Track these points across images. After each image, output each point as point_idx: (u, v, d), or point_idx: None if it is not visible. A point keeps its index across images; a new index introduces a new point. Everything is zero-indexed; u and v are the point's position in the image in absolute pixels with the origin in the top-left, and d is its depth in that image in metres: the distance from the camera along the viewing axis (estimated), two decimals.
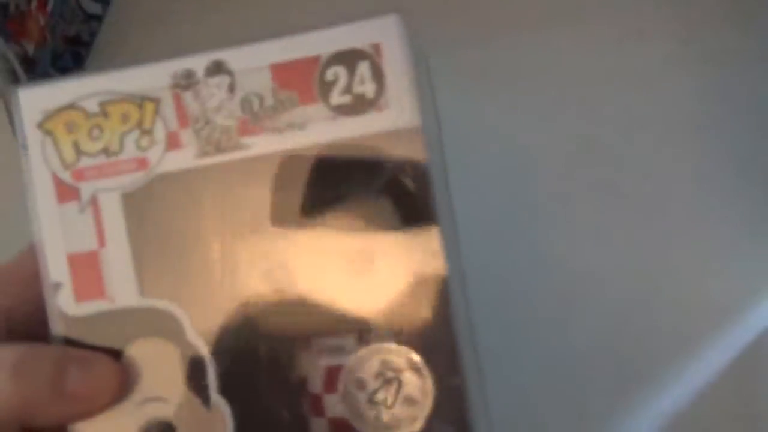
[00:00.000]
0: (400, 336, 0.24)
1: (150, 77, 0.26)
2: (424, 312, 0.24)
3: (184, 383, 0.25)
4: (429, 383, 0.24)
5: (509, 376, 0.41)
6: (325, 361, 0.25)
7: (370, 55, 0.25)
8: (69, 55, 0.59)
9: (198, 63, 0.26)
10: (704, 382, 0.40)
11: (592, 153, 0.46)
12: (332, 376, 0.25)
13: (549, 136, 0.48)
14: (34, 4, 0.54)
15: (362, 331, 0.25)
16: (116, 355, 0.26)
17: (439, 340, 0.24)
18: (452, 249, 0.26)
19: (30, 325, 0.27)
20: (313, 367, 0.25)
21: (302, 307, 0.25)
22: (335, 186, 0.25)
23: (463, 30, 0.53)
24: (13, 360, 0.24)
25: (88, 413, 0.25)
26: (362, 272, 0.25)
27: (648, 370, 0.40)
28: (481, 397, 0.26)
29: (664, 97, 0.47)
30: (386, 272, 0.25)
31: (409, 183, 0.25)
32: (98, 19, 0.62)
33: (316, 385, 0.25)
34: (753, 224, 0.43)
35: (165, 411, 0.25)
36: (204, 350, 0.25)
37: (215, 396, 0.25)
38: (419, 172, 0.25)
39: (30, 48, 0.53)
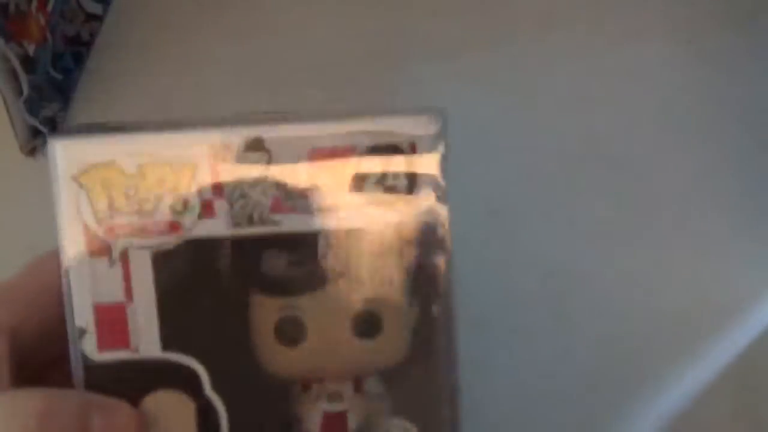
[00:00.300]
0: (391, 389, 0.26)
1: (189, 143, 0.26)
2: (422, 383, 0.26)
3: None
4: None
5: (509, 377, 0.41)
6: (324, 407, 0.27)
7: (402, 150, 0.26)
8: (69, 55, 0.59)
9: (235, 137, 0.26)
10: (705, 383, 0.40)
11: (591, 153, 0.46)
12: (329, 421, 0.27)
13: (548, 136, 0.48)
14: (34, 4, 0.54)
15: (358, 380, 0.27)
16: (134, 403, 0.26)
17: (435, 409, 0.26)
18: (450, 326, 0.27)
19: (36, 342, 0.27)
20: (313, 412, 0.27)
21: (309, 355, 0.27)
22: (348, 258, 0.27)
23: (463, 30, 0.53)
24: (40, 409, 0.25)
25: None
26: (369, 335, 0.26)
27: (648, 370, 0.41)
28: None
29: (665, 97, 0.48)
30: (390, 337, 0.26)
31: (429, 264, 0.27)
32: (99, 19, 0.61)
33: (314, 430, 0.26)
34: (753, 224, 0.43)
35: None
36: (219, 405, 0.26)
37: None
38: (440, 259, 0.27)
39: (30, 48, 0.53)
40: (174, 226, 0.27)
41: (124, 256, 0.27)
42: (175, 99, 0.54)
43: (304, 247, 0.26)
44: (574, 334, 0.42)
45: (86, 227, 0.27)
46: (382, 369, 0.26)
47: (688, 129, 0.46)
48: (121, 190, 0.27)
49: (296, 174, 0.26)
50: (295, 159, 0.26)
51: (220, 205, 0.26)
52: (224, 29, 0.58)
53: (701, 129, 0.46)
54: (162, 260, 0.27)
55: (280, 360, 0.27)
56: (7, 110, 0.53)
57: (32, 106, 0.54)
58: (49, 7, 0.56)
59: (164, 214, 0.26)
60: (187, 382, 0.26)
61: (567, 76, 0.49)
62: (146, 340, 0.27)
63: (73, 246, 0.27)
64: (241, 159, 0.26)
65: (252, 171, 0.26)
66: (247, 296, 0.26)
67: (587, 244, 0.44)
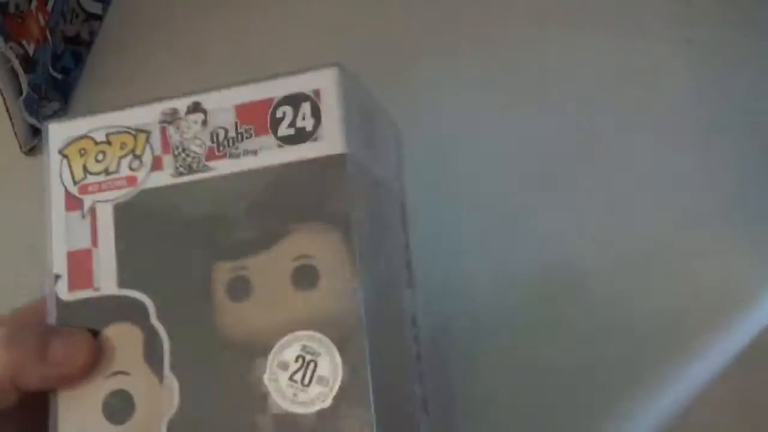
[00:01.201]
0: (321, 327, 0.29)
1: (145, 114, 0.33)
2: (342, 312, 0.29)
3: (143, 360, 0.31)
4: (339, 367, 0.28)
5: (508, 376, 0.41)
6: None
7: (311, 98, 0.31)
8: (69, 54, 0.59)
9: (182, 103, 0.33)
10: (704, 382, 0.40)
11: (591, 152, 0.46)
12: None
13: (548, 135, 0.48)
14: (34, 4, 0.54)
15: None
16: (95, 334, 0.31)
17: (351, 331, 0.29)
18: (373, 256, 0.31)
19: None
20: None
21: (254, 312, 0.30)
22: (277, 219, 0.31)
23: (463, 30, 0.53)
24: (5, 334, 0.30)
25: (67, 376, 0.31)
26: (306, 288, 0.30)
27: (647, 370, 0.40)
28: (387, 384, 0.30)
29: (664, 96, 0.47)
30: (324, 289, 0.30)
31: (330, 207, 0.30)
32: (98, 18, 0.62)
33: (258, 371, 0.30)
34: (754, 223, 0.43)
35: (126, 383, 0.31)
36: (163, 333, 0.31)
37: (167, 372, 0.30)
38: (341, 195, 0.30)
39: (30, 47, 0.54)
40: (131, 180, 0.32)
41: (93, 210, 0.33)
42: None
43: (235, 187, 0.31)
44: (573, 333, 0.42)
45: (66, 189, 0.33)
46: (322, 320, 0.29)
47: (687, 128, 0.46)
48: (93, 156, 0.33)
49: (226, 126, 0.32)
50: (226, 114, 0.32)
51: (167, 160, 0.32)
52: (224, 29, 0.58)
53: (701, 128, 0.46)
54: (121, 210, 0.32)
55: (225, 308, 0.31)
56: (7, 110, 0.53)
57: (32, 106, 0.54)
58: (49, 7, 0.56)
59: (124, 171, 0.32)
60: (138, 314, 0.31)
61: (567, 75, 0.49)
62: (106, 279, 0.32)
63: (55, 208, 0.33)
64: (183, 120, 0.32)
65: (191, 129, 0.32)
66: (197, 248, 0.31)
67: (587, 243, 0.44)
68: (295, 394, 0.29)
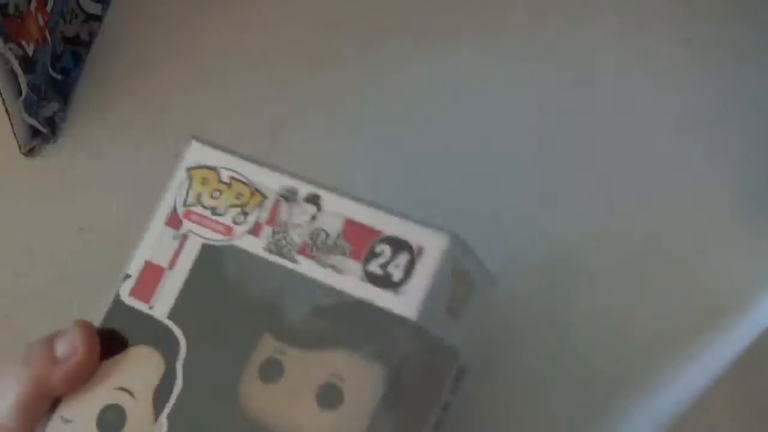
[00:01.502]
0: None
1: (271, 178, 0.35)
2: None
3: (151, 392, 0.33)
4: None
5: (509, 377, 0.41)
6: None
7: (413, 252, 0.32)
8: (69, 55, 0.59)
9: (305, 188, 0.34)
10: (705, 383, 0.40)
11: (591, 152, 0.46)
12: None
13: (548, 135, 0.48)
14: (33, 4, 0.54)
15: None
16: (127, 345, 0.34)
17: None
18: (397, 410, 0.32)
19: None
20: None
21: (271, 398, 0.32)
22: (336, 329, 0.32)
23: (462, 27, 0.53)
24: (21, 356, 0.34)
25: (79, 371, 0.33)
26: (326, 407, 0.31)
27: (648, 370, 0.40)
28: None
29: (665, 94, 0.47)
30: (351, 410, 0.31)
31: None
32: (98, 19, 0.62)
33: None
34: (754, 223, 0.43)
35: (127, 401, 0.33)
36: (180, 380, 0.33)
37: (163, 416, 0.32)
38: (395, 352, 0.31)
39: (30, 48, 0.53)
40: (228, 230, 0.35)
41: (185, 236, 0.35)
42: (174, 99, 0.54)
43: (306, 292, 0.33)
44: (573, 333, 0.42)
45: (175, 206, 0.36)
46: None
47: (688, 127, 0.46)
48: (210, 190, 0.36)
49: (330, 232, 0.33)
50: (335, 221, 0.33)
51: (266, 231, 0.34)
52: (223, 29, 0.58)
53: (701, 127, 0.46)
54: (207, 251, 0.35)
55: (252, 389, 0.32)
56: (6, 110, 0.53)
57: (31, 106, 0.54)
58: (49, 8, 0.56)
59: (227, 220, 0.35)
60: (170, 350, 0.33)
61: (567, 74, 0.49)
62: (162, 303, 0.34)
63: (158, 216, 0.36)
64: (298, 205, 0.34)
65: (300, 217, 0.34)
66: (254, 321, 0.33)
67: (587, 243, 0.44)
68: None
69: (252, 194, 0.35)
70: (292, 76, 0.53)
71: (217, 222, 0.35)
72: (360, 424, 0.30)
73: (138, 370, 0.33)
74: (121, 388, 0.33)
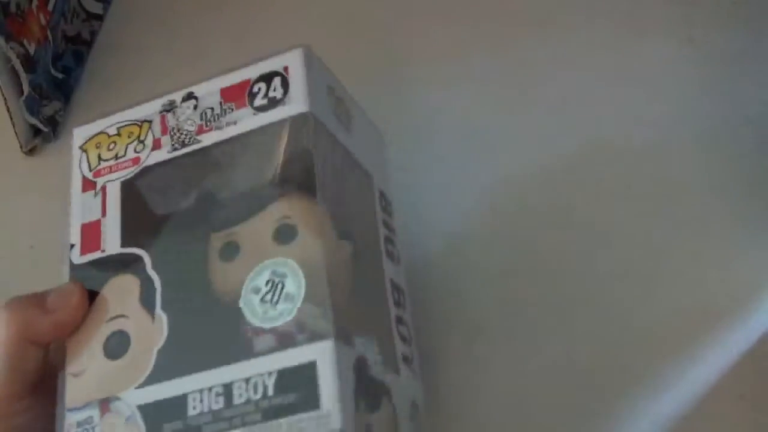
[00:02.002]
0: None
1: (149, 108, 0.39)
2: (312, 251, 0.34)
3: (139, 303, 0.35)
4: (303, 282, 0.32)
5: (509, 377, 0.41)
6: None
7: (281, 74, 0.37)
8: (70, 54, 0.59)
9: (178, 95, 0.39)
10: (705, 383, 0.40)
11: (591, 153, 0.46)
12: None
13: (550, 136, 0.48)
14: (35, 3, 0.54)
15: None
16: (101, 286, 0.36)
17: (315, 255, 0.33)
18: (340, 210, 0.35)
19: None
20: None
21: (240, 267, 0.34)
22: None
23: (464, 31, 0.53)
24: (4, 302, 0.35)
25: (70, 319, 0.35)
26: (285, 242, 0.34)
27: (648, 370, 0.40)
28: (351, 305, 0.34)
29: (666, 96, 0.47)
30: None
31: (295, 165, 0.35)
32: (99, 18, 0.61)
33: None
34: (755, 223, 0.43)
35: (124, 324, 0.35)
36: (156, 280, 0.35)
37: (158, 310, 0.34)
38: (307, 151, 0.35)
39: (31, 47, 0.53)
40: (135, 161, 0.38)
41: (104, 188, 0.38)
42: None
43: (221, 155, 0.36)
44: (573, 334, 0.42)
45: (83, 176, 0.39)
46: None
47: (688, 128, 0.46)
48: (105, 146, 0.39)
49: (213, 106, 0.37)
50: (213, 97, 0.38)
51: (165, 140, 0.38)
52: (224, 28, 0.58)
53: (702, 128, 0.46)
54: (127, 185, 0.38)
55: (218, 272, 0.35)
56: (8, 109, 0.53)
57: (33, 106, 0.54)
58: (50, 7, 0.56)
59: (130, 154, 0.38)
60: (136, 266, 0.36)
61: (567, 75, 0.49)
62: (111, 242, 0.37)
63: (74, 192, 0.39)
64: (179, 108, 0.38)
65: (185, 113, 0.38)
66: (193, 219, 0.36)
67: (587, 244, 0.44)
68: (265, 312, 0.32)
69: (140, 126, 0.38)
70: None
71: (122, 162, 0.38)
72: (319, 246, 0.33)
73: (119, 296, 0.35)
74: (113, 317, 0.35)
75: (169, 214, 0.36)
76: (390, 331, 0.37)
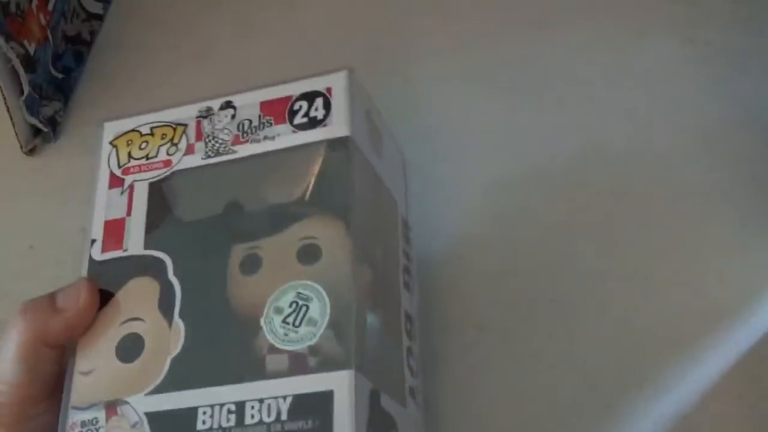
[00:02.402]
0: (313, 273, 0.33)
1: (185, 111, 0.39)
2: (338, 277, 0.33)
3: (157, 308, 0.35)
4: (328, 308, 0.32)
5: (509, 377, 0.41)
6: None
7: (324, 94, 0.37)
8: (70, 54, 0.59)
9: (216, 102, 0.38)
10: (706, 384, 0.40)
11: (593, 154, 0.46)
12: None
13: (551, 136, 0.48)
14: (35, 3, 0.54)
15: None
16: (120, 286, 0.36)
17: (342, 283, 0.33)
18: (370, 239, 0.36)
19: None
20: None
21: (261, 283, 0.34)
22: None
23: (465, 30, 0.53)
24: (20, 307, 0.35)
25: (80, 319, 0.35)
26: (309, 263, 0.34)
27: (648, 370, 0.40)
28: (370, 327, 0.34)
29: (666, 96, 0.47)
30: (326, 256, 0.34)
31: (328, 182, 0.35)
32: (99, 18, 0.62)
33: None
34: (755, 224, 0.43)
35: (140, 328, 0.35)
36: (177, 286, 0.35)
37: (176, 317, 0.34)
38: (343, 177, 0.35)
39: (31, 47, 0.53)
40: (167, 163, 0.38)
41: (131, 186, 0.38)
42: (175, 98, 0.54)
43: (255, 168, 0.36)
44: (574, 335, 0.42)
45: (111, 172, 0.39)
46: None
47: (690, 128, 0.46)
48: (137, 144, 0.39)
49: (251, 118, 0.37)
50: (251, 109, 0.37)
51: (199, 146, 0.38)
52: (224, 28, 0.58)
53: (703, 128, 0.46)
54: (156, 186, 0.38)
55: (239, 286, 0.35)
56: (8, 109, 0.53)
57: (33, 106, 0.54)
58: (50, 6, 0.56)
59: (162, 156, 0.38)
60: (158, 270, 0.35)
61: (568, 75, 0.49)
62: (134, 242, 0.37)
63: (100, 187, 0.39)
64: (216, 115, 0.38)
65: (222, 122, 0.38)
66: (219, 227, 0.36)
67: (587, 244, 0.44)
68: (286, 334, 0.32)
69: (174, 129, 0.38)
70: None
71: (153, 162, 0.38)
72: (343, 270, 0.33)
73: (137, 299, 0.35)
74: (129, 319, 0.35)
75: (195, 221, 0.36)
76: (401, 363, 0.37)
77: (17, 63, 0.51)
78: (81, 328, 0.35)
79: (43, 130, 0.56)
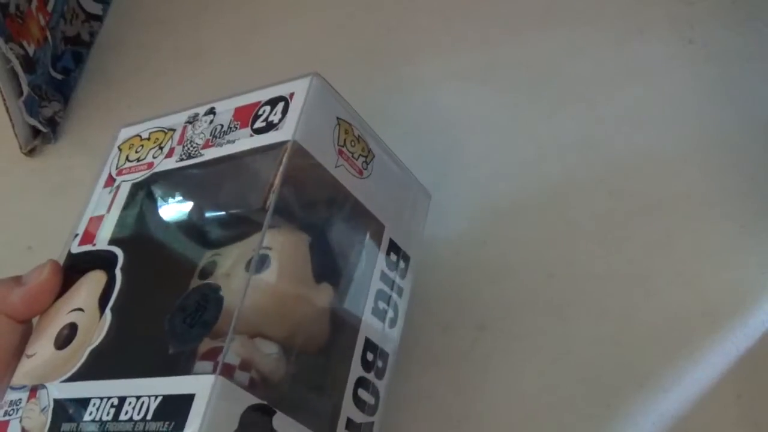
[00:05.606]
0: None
1: (179, 117, 0.40)
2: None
3: (97, 300, 0.36)
4: (219, 313, 0.32)
5: (509, 377, 0.41)
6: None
7: (286, 99, 0.36)
8: (69, 54, 0.59)
9: (203, 109, 0.39)
10: (705, 384, 0.40)
11: (592, 153, 0.46)
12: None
13: (550, 136, 0.48)
14: (34, 4, 0.54)
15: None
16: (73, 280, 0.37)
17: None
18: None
19: None
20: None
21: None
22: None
23: (465, 30, 0.53)
24: None
25: (39, 294, 0.37)
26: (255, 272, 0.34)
27: (648, 370, 0.40)
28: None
29: (666, 96, 0.47)
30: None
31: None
32: (99, 19, 0.62)
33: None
34: (755, 224, 0.43)
35: (79, 317, 0.36)
36: (119, 280, 0.36)
37: (107, 311, 0.35)
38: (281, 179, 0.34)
39: (30, 48, 0.53)
40: (149, 165, 0.39)
41: (118, 187, 0.40)
42: (175, 98, 0.54)
43: (217, 173, 0.37)
44: (574, 334, 0.42)
45: (110, 173, 0.41)
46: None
47: (689, 128, 0.46)
48: (135, 148, 0.41)
49: (223, 123, 0.38)
50: (227, 115, 0.38)
51: (178, 149, 0.39)
52: (223, 29, 0.58)
53: (703, 128, 0.46)
54: (135, 187, 0.39)
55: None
56: (7, 110, 0.53)
57: (32, 106, 0.54)
58: (50, 7, 0.56)
59: (148, 159, 0.39)
60: (110, 264, 0.37)
61: (567, 75, 0.49)
62: (103, 237, 0.38)
63: (98, 186, 0.41)
64: (199, 121, 0.39)
65: (201, 127, 0.39)
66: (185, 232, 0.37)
67: (587, 244, 0.44)
68: (182, 333, 0.33)
69: (165, 133, 0.40)
70: None
71: (140, 165, 0.39)
72: (291, 276, 0.34)
73: (86, 290, 0.36)
74: (74, 309, 0.36)
75: (161, 222, 0.38)
76: (339, 393, 0.35)
77: (17, 64, 0.52)
78: (39, 304, 0.36)
79: (42, 131, 0.56)
